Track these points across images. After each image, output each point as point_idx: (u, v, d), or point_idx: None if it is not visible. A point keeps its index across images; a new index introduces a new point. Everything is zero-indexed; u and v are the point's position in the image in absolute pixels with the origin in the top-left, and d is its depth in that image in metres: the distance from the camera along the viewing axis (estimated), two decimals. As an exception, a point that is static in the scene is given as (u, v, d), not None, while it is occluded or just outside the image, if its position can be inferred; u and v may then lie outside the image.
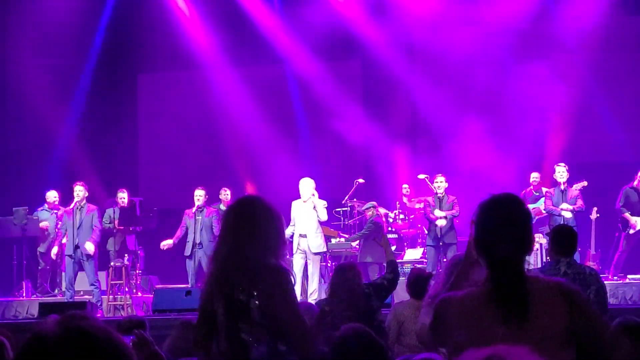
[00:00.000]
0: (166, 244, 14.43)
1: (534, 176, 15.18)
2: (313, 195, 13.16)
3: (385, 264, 7.80)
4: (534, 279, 3.26)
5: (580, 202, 13.58)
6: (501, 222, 3.22)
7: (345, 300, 7.21)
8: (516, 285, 3.17)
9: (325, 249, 13.67)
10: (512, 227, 3.22)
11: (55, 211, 15.24)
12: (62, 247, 14.63)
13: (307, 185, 13.32)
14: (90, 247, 13.72)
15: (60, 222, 14.69)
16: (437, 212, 14.03)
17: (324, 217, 13.28)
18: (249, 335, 4.15)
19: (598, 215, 14.51)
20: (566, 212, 13.45)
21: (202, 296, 4.34)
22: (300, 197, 13.36)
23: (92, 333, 1.89)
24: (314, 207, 13.18)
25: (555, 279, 3.32)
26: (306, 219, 13.19)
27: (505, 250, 3.18)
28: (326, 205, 13.40)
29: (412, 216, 16.03)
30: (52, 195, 15.48)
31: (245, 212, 4.27)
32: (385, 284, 7.54)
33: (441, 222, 13.94)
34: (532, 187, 15.14)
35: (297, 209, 13.28)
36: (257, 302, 4.11)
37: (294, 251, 13.24)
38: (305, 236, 13.13)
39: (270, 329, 4.14)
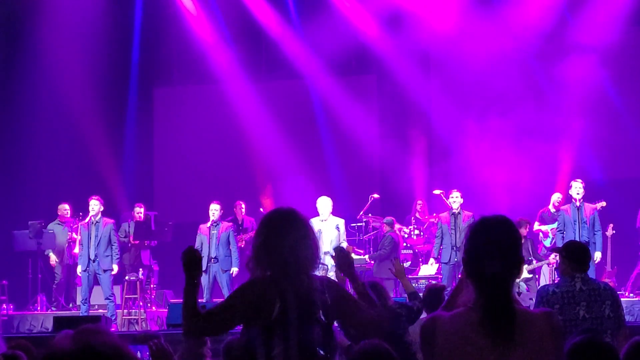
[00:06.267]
0: None
1: (558, 197, 15.06)
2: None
3: (406, 293, 7.69)
4: (522, 308, 3.30)
5: (598, 225, 13.42)
6: (489, 241, 3.25)
7: None
8: (503, 305, 3.18)
9: None
10: (500, 246, 3.25)
11: (67, 224, 15.30)
12: (74, 257, 14.77)
13: (325, 204, 13.41)
14: (115, 268, 13.90)
15: (74, 235, 14.83)
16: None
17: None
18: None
19: (614, 232, 14.45)
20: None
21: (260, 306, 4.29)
22: (318, 215, 13.42)
23: (101, 349, 1.89)
24: (336, 227, 13.31)
25: (545, 309, 3.36)
26: (328, 236, 13.30)
27: (493, 268, 3.20)
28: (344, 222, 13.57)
29: (427, 224, 15.94)
30: (63, 208, 15.54)
31: (296, 223, 4.37)
32: (415, 309, 7.43)
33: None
34: (552, 206, 14.99)
35: (317, 227, 13.32)
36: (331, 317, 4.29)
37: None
38: (327, 253, 13.18)
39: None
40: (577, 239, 12.72)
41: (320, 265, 4.56)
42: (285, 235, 4.31)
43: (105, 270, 13.77)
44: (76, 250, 14.77)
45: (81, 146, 17.79)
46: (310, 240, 4.36)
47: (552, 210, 14.93)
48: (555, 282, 7.02)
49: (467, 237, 3.33)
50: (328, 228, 13.38)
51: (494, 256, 3.21)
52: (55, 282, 15.58)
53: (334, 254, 4.60)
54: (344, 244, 13.46)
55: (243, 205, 16.07)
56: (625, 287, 13.99)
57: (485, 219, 3.33)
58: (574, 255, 6.77)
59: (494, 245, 3.24)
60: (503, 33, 16.52)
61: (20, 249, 15.66)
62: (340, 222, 13.48)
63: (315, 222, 13.40)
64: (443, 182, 15.87)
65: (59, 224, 15.60)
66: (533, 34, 16.70)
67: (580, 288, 6.58)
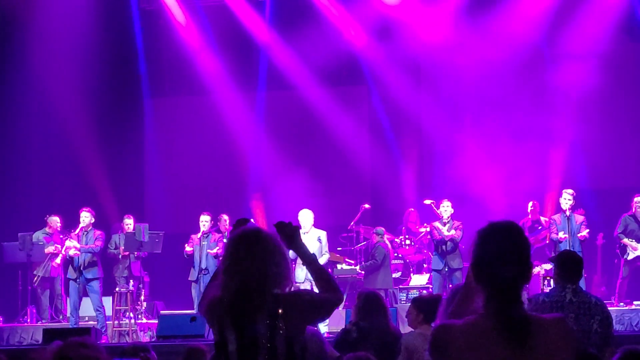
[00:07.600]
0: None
1: (531, 205, 15.14)
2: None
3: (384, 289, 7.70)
4: (533, 314, 3.26)
5: (585, 232, 13.47)
6: (503, 245, 3.22)
7: (375, 328, 7.14)
8: (517, 311, 3.16)
9: None
10: (514, 250, 3.22)
11: (55, 236, 15.25)
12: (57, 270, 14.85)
13: (307, 217, 13.35)
14: (72, 251, 13.94)
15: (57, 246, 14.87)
16: (439, 226, 14.14)
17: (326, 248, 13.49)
18: None
19: (604, 241, 14.48)
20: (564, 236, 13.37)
21: (213, 327, 4.22)
22: (300, 228, 13.35)
23: None
24: (318, 239, 13.23)
25: (556, 314, 3.33)
26: (310, 249, 13.16)
27: (508, 272, 3.17)
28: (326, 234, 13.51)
29: (419, 235, 15.95)
30: (54, 221, 15.46)
31: (256, 244, 4.22)
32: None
33: (452, 232, 14.00)
34: (529, 216, 15.04)
35: None
36: (282, 339, 4.07)
37: (302, 280, 13.22)
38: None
39: None
40: (568, 248, 12.76)
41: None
42: (248, 255, 4.18)
43: (91, 279, 13.82)
44: (57, 260, 14.76)
45: (72, 158, 17.73)
46: (276, 258, 4.24)
47: (533, 222, 14.99)
48: (545, 291, 7.00)
49: (476, 242, 3.29)
50: (309, 240, 13.31)
51: (506, 261, 3.19)
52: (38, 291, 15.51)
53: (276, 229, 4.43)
54: (326, 256, 13.43)
55: (227, 219, 15.92)
56: (614, 296, 14.01)
57: (494, 225, 3.30)
58: (565, 265, 6.74)
59: (506, 251, 3.21)
60: (493, 42, 16.53)
61: (9, 260, 15.61)
62: (322, 234, 13.43)
63: None
64: (434, 191, 15.88)
65: (46, 234, 15.45)
66: (524, 43, 16.70)
67: (570, 299, 6.52)
